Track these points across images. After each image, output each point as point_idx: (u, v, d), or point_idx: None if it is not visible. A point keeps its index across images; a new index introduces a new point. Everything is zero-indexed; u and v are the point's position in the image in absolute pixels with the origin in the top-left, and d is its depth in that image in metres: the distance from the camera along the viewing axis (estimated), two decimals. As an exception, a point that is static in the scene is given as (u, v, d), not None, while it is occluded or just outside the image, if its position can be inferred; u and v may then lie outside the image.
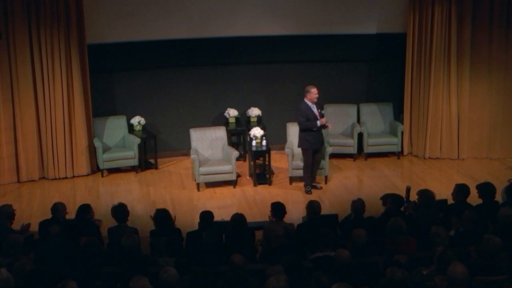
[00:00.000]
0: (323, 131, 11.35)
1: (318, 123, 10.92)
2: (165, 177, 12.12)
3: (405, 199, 8.81)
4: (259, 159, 12.00)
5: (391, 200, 8.48)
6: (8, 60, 11.40)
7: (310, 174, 11.26)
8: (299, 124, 11.02)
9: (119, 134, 12.46)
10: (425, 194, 8.49)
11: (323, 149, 11.44)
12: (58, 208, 8.54)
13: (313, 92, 10.95)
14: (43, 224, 8.31)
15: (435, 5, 12.28)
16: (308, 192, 11.17)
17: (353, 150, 12.72)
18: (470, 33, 12.43)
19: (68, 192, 11.40)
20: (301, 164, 11.48)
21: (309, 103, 10.95)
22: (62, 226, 7.86)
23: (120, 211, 8.21)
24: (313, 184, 11.36)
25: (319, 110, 11.07)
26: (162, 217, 8.13)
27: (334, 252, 6.87)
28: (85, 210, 8.46)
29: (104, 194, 11.39)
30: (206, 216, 8.16)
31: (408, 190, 9.42)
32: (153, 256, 7.26)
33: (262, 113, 12.84)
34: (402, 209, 8.52)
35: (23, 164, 11.80)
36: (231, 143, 12.35)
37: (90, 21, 11.80)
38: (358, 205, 8.35)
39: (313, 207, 8.37)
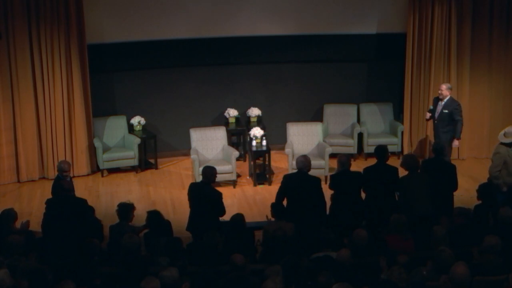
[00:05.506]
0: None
1: (427, 115, 11.24)
2: (165, 177, 12.12)
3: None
4: (259, 159, 11.99)
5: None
6: (8, 60, 11.40)
7: None
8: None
9: (119, 134, 12.46)
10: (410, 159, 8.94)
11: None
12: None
13: (439, 89, 11.15)
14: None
15: (435, 5, 12.28)
16: None
17: (353, 150, 12.70)
18: (470, 33, 12.43)
19: (68, 192, 11.39)
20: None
21: (439, 99, 11.11)
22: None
23: (127, 210, 8.19)
24: None
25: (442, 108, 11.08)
26: (154, 218, 8.13)
27: (334, 252, 6.88)
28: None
29: (104, 194, 11.40)
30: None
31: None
32: (152, 256, 7.25)
33: (262, 113, 12.83)
34: None
35: (23, 164, 11.80)
36: (231, 143, 12.35)
37: (90, 21, 11.80)
38: (343, 159, 8.80)
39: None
